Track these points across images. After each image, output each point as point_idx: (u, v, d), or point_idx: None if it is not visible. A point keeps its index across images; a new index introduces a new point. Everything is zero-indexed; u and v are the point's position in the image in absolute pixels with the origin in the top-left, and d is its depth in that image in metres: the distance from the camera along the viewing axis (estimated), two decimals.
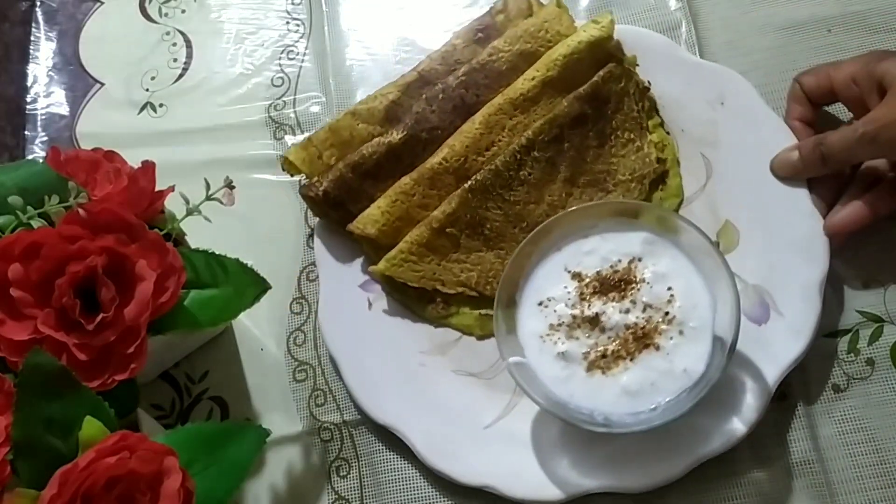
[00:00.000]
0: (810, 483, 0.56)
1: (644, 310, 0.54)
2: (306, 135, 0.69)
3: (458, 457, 0.57)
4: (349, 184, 0.63)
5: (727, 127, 0.63)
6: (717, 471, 0.56)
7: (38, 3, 0.84)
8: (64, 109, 0.79)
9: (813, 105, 0.61)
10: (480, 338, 0.62)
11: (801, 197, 0.59)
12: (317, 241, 0.65)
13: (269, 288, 0.57)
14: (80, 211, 0.50)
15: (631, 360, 0.53)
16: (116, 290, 0.49)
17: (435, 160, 0.63)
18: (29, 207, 0.51)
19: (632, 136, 0.64)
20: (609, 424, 0.52)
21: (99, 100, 0.78)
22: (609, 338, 0.54)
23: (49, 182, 0.53)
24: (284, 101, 0.75)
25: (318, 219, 0.66)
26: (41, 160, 0.56)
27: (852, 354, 0.59)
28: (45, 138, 0.77)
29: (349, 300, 0.63)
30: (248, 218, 0.69)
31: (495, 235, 0.63)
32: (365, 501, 0.60)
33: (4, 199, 0.51)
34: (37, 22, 0.83)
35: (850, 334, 0.59)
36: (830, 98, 0.61)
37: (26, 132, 0.78)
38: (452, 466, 0.57)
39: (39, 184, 0.53)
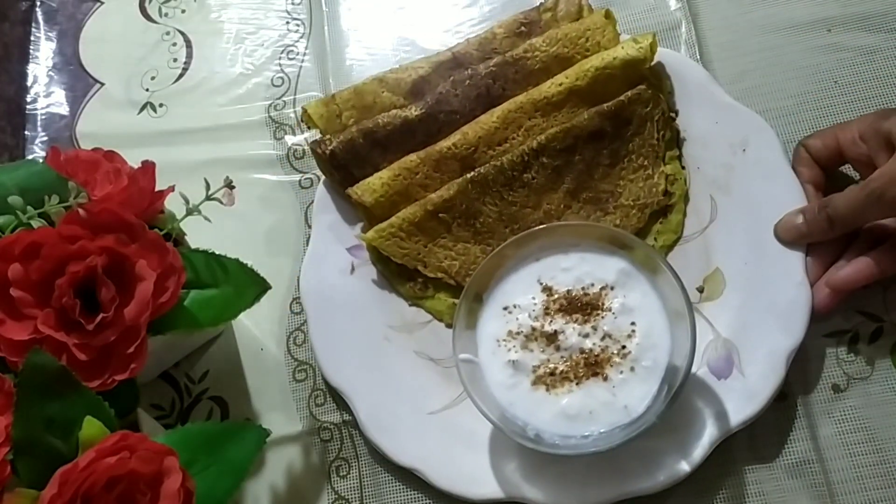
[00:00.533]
0: (810, 483, 0.56)
1: (602, 338, 0.54)
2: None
3: (396, 435, 0.59)
4: (358, 149, 0.64)
5: (744, 174, 0.61)
6: (718, 470, 0.56)
7: (38, 3, 0.84)
8: (64, 109, 0.79)
9: (822, 168, 0.60)
10: (449, 326, 0.63)
11: (795, 262, 0.58)
12: (318, 195, 0.66)
13: (269, 288, 0.57)
14: (80, 211, 0.50)
15: (577, 384, 0.53)
16: (116, 290, 0.49)
17: (445, 144, 0.64)
18: (29, 207, 0.51)
19: (645, 162, 0.64)
20: (538, 441, 0.52)
21: (99, 100, 0.78)
22: (562, 357, 0.54)
23: (49, 182, 0.53)
24: (284, 101, 0.75)
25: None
26: (41, 160, 0.56)
27: (852, 354, 0.59)
28: (45, 138, 0.77)
29: (334, 259, 0.64)
30: (248, 218, 0.69)
31: (486, 231, 0.63)
32: (365, 501, 0.60)
33: (4, 199, 0.51)
34: (37, 22, 0.83)
35: (850, 334, 0.59)
36: (838, 160, 0.59)
37: (26, 132, 0.78)
38: (388, 443, 0.59)
39: (39, 184, 0.53)
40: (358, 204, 0.64)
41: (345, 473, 0.61)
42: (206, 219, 0.56)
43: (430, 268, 0.63)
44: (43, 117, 0.78)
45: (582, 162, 0.63)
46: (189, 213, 0.56)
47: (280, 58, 0.77)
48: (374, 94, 0.66)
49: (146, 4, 0.82)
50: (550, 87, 0.64)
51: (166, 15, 0.81)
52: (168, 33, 0.80)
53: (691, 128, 0.65)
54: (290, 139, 0.73)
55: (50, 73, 0.81)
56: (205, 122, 0.75)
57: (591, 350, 0.54)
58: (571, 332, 0.55)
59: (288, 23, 0.79)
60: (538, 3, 0.70)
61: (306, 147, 0.73)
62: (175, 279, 0.51)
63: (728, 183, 0.62)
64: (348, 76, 0.75)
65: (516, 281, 0.57)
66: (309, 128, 0.67)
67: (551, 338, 0.55)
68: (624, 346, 0.54)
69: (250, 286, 0.56)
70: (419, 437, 0.59)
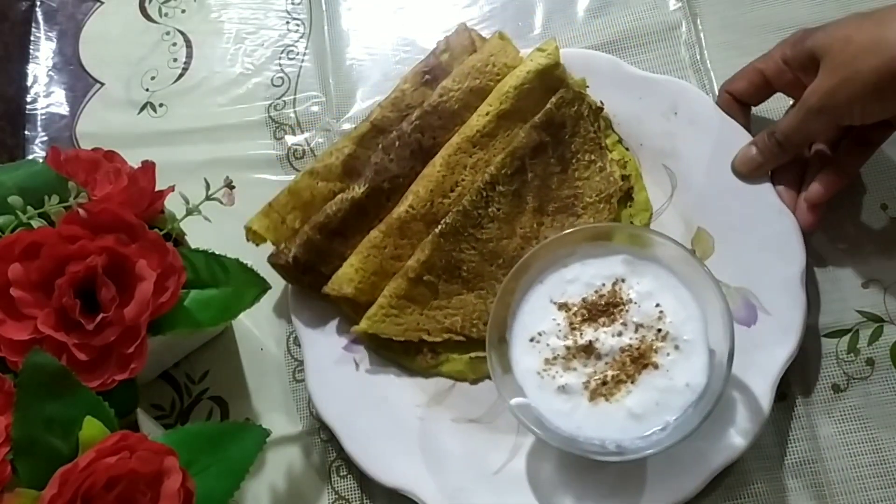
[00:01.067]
0: (810, 483, 0.56)
1: (636, 330, 0.54)
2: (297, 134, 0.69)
3: None
4: (318, 245, 0.62)
5: (684, 136, 0.63)
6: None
7: (38, 3, 0.84)
8: (64, 109, 0.79)
9: (752, 104, 0.63)
10: (474, 382, 0.61)
11: (767, 193, 0.60)
12: (293, 309, 0.63)
13: (269, 288, 0.57)
14: (80, 211, 0.50)
15: (632, 382, 0.53)
16: (116, 290, 0.49)
17: (401, 209, 0.62)
18: (29, 207, 0.51)
19: (592, 157, 0.64)
20: (622, 451, 0.51)
21: (99, 100, 0.78)
22: (606, 363, 0.53)
23: (49, 182, 0.53)
24: (284, 101, 0.75)
25: (290, 286, 0.64)
26: (41, 160, 0.56)
27: (852, 354, 0.59)
28: (45, 138, 0.77)
29: (336, 364, 0.62)
30: (248, 218, 0.69)
31: (473, 276, 0.62)
32: (365, 501, 0.60)
33: (4, 199, 0.51)
34: (37, 22, 0.83)
35: (850, 334, 0.59)
36: (766, 92, 0.61)
37: (26, 132, 0.78)
38: None
39: (39, 184, 0.53)
40: (339, 299, 0.61)
41: (345, 473, 0.61)
42: (206, 219, 0.56)
43: (434, 333, 0.61)
44: (43, 117, 0.78)
45: (536, 178, 0.63)
46: (189, 213, 0.56)
47: (280, 58, 0.77)
48: (309, 189, 0.64)
49: (146, 4, 0.82)
50: (478, 119, 0.64)
51: (166, 15, 0.81)
52: (168, 33, 0.80)
53: (620, 111, 0.66)
54: (290, 139, 0.73)
55: (50, 73, 0.81)
56: (205, 122, 0.75)
57: (630, 345, 0.54)
58: (605, 337, 0.54)
59: (288, 23, 0.79)
60: (433, 49, 0.69)
61: (306, 147, 0.73)
62: (175, 279, 0.51)
63: (674, 148, 0.64)
64: (348, 76, 0.75)
65: (530, 310, 0.56)
66: (257, 244, 0.64)
67: (588, 349, 0.54)
68: (659, 330, 0.54)
69: (250, 286, 0.56)
70: (499, 501, 0.57)
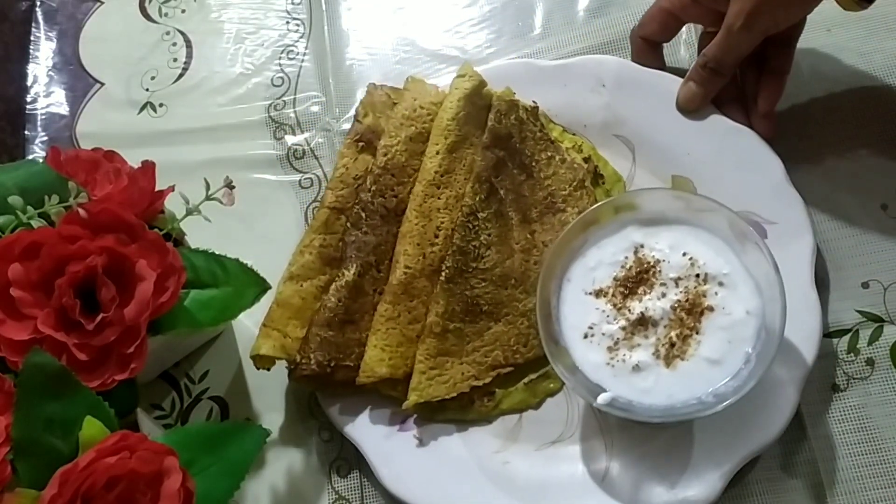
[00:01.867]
0: (810, 483, 0.56)
1: (677, 284, 0.55)
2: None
3: None
4: (333, 341, 0.60)
5: (619, 103, 0.65)
6: None
7: (38, 3, 0.84)
8: (64, 109, 0.79)
9: (659, 47, 0.66)
10: (538, 406, 0.60)
11: (720, 120, 0.62)
12: (333, 417, 0.60)
13: (269, 288, 0.57)
14: (80, 211, 0.50)
15: (697, 333, 0.53)
16: (116, 290, 0.49)
17: (398, 273, 0.61)
18: (29, 207, 0.51)
19: (548, 153, 0.64)
20: (723, 396, 0.51)
21: (99, 100, 0.78)
22: (665, 326, 0.54)
23: (49, 182, 0.53)
24: (284, 101, 0.75)
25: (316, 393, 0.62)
26: (41, 160, 0.56)
27: (852, 354, 0.59)
28: (45, 138, 0.77)
29: (400, 449, 0.59)
30: (248, 218, 0.69)
31: (493, 306, 0.61)
32: (365, 501, 0.60)
33: (4, 199, 0.51)
34: (37, 22, 0.83)
35: (850, 334, 0.59)
36: (676, 27, 0.64)
37: (26, 132, 0.78)
38: None
39: (39, 184, 0.53)
40: (377, 383, 0.59)
41: (345, 473, 0.61)
42: (206, 219, 0.56)
43: (481, 375, 0.60)
44: (43, 117, 0.78)
45: (508, 192, 0.63)
46: (189, 213, 0.56)
47: (280, 58, 0.77)
48: (296, 294, 0.62)
49: (146, 4, 0.82)
50: (431, 161, 0.63)
51: (166, 15, 0.81)
52: (168, 33, 0.80)
53: (553, 104, 0.67)
54: (290, 139, 0.73)
55: (50, 73, 0.81)
56: (205, 122, 0.75)
57: (678, 301, 0.54)
58: (652, 303, 0.54)
59: (288, 23, 0.79)
60: (354, 117, 0.68)
61: (306, 147, 0.73)
62: (175, 279, 0.51)
63: (616, 116, 0.66)
64: (348, 76, 0.75)
65: (571, 310, 0.56)
66: (268, 369, 0.61)
67: (642, 321, 0.54)
68: (698, 275, 0.54)
69: (250, 286, 0.56)
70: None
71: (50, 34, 0.83)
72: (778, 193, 0.59)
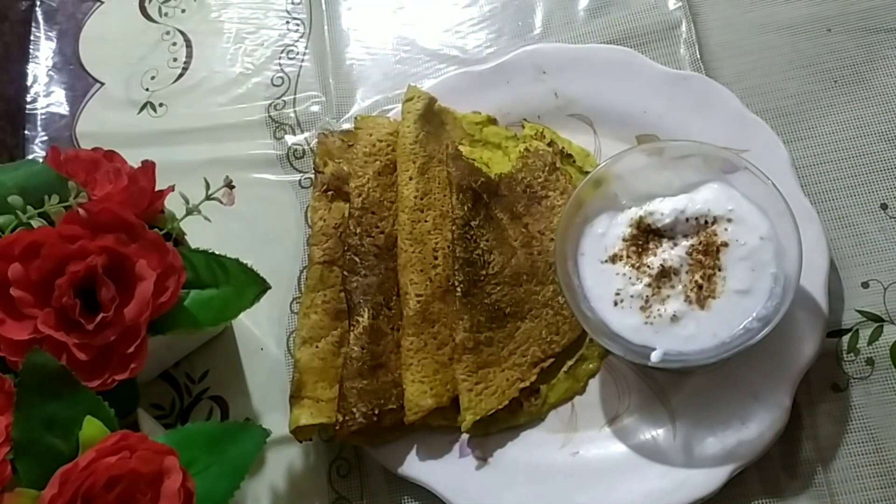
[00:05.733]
0: (810, 483, 0.56)
1: (692, 226, 0.56)
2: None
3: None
4: (370, 389, 0.58)
5: (563, 84, 0.67)
6: None
7: (38, 3, 0.84)
8: (64, 109, 0.79)
9: None
10: (583, 390, 0.60)
11: (663, 72, 0.65)
12: (388, 463, 0.59)
13: (269, 288, 0.57)
14: (80, 211, 0.50)
15: (719, 269, 0.54)
16: (116, 290, 0.49)
17: (411, 304, 0.60)
18: (29, 207, 0.51)
19: (508, 143, 0.66)
20: (766, 319, 0.52)
21: (99, 99, 0.78)
22: (687, 272, 0.55)
23: (49, 182, 0.53)
24: (284, 101, 0.75)
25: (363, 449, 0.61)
26: (41, 160, 0.56)
27: (852, 354, 0.59)
28: (45, 138, 0.77)
29: (468, 477, 0.58)
30: (248, 218, 0.69)
31: (515, 306, 0.60)
32: (365, 501, 0.60)
33: (4, 199, 0.51)
34: (37, 22, 0.83)
35: (850, 334, 0.59)
36: None
37: (26, 132, 0.78)
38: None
39: (39, 183, 0.53)
40: (427, 416, 0.58)
41: (345, 473, 0.61)
42: (206, 219, 0.56)
43: (526, 376, 0.59)
44: (43, 117, 0.78)
45: (490, 195, 0.63)
46: (189, 212, 0.56)
47: (280, 57, 0.77)
48: (314, 357, 0.60)
49: (146, 4, 0.82)
50: (406, 188, 0.63)
51: (166, 15, 0.81)
52: (168, 33, 0.80)
53: (500, 104, 0.68)
54: (290, 139, 0.73)
55: (50, 72, 0.81)
56: (205, 122, 0.75)
57: (692, 245, 0.55)
58: (668, 254, 0.55)
59: (288, 22, 0.79)
60: (313, 169, 0.67)
61: (306, 147, 0.73)
62: (175, 279, 0.51)
63: (565, 98, 0.67)
64: (348, 76, 0.75)
65: (594, 284, 0.56)
66: (310, 440, 0.61)
67: (664, 273, 0.55)
68: (705, 217, 0.55)
69: (250, 286, 0.56)
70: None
71: (50, 34, 0.83)
72: (740, 122, 0.61)
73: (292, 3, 0.79)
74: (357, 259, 0.61)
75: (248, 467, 0.50)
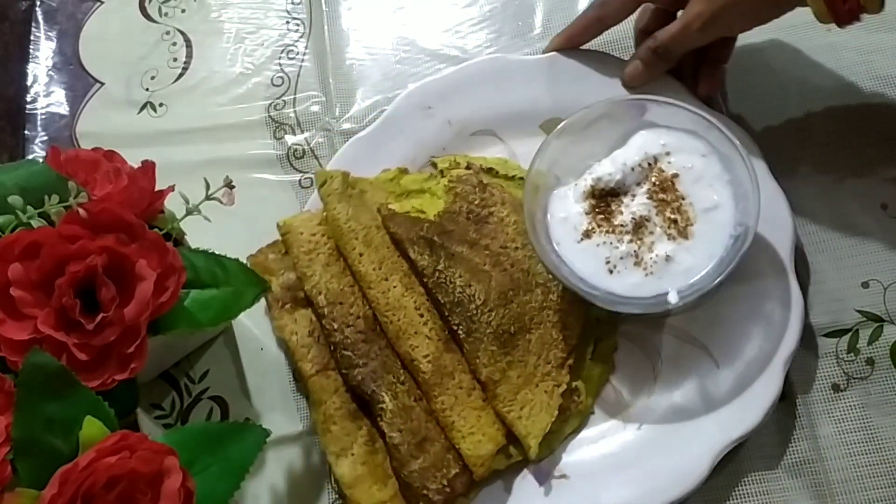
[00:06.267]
0: (810, 483, 0.56)
1: (639, 183, 0.58)
2: (304, 133, 0.68)
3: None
4: (428, 466, 0.56)
5: (452, 110, 0.68)
6: (717, 470, 0.56)
7: (38, 3, 0.84)
8: (64, 109, 0.79)
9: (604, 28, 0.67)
10: (613, 367, 0.60)
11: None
12: None
13: (269, 288, 0.57)
14: (80, 211, 0.50)
15: (683, 198, 0.57)
16: (116, 290, 0.49)
17: (423, 367, 0.58)
18: (29, 207, 0.51)
19: (434, 188, 0.66)
20: (746, 223, 0.54)
21: (99, 99, 0.78)
22: (657, 214, 0.57)
23: (49, 182, 0.53)
24: (284, 101, 0.75)
25: None
26: (41, 160, 0.56)
27: (852, 354, 0.59)
28: (45, 138, 0.77)
29: (559, 499, 0.57)
30: (248, 218, 0.69)
31: (515, 322, 0.59)
32: None
33: (4, 199, 0.51)
34: (37, 21, 0.83)
35: (850, 334, 0.59)
36: (634, 6, 0.64)
37: (26, 132, 0.78)
38: None
39: (39, 183, 0.53)
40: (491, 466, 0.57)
41: None
42: (206, 219, 0.56)
43: (561, 380, 0.58)
44: (43, 117, 0.78)
45: (436, 236, 0.62)
46: (189, 212, 0.56)
47: (280, 57, 0.77)
48: (354, 464, 0.58)
49: (146, 4, 0.82)
50: (362, 265, 0.61)
51: (166, 14, 0.81)
52: (168, 33, 0.80)
53: (401, 159, 0.67)
54: (290, 139, 0.73)
55: (50, 72, 0.81)
56: (205, 122, 0.75)
57: (649, 189, 0.57)
58: (633, 205, 0.57)
59: (288, 22, 0.79)
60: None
61: (306, 147, 0.73)
62: (175, 279, 0.51)
63: (461, 122, 0.68)
64: (348, 76, 0.75)
65: (583, 265, 0.57)
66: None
67: (639, 224, 0.57)
68: (645, 154, 0.58)
69: (250, 286, 0.56)
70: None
71: (50, 34, 0.83)
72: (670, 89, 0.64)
73: (292, 3, 0.79)
74: (349, 353, 0.60)
75: (248, 467, 0.50)
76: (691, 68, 0.65)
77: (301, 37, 0.78)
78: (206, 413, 0.64)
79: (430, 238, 0.61)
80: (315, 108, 0.74)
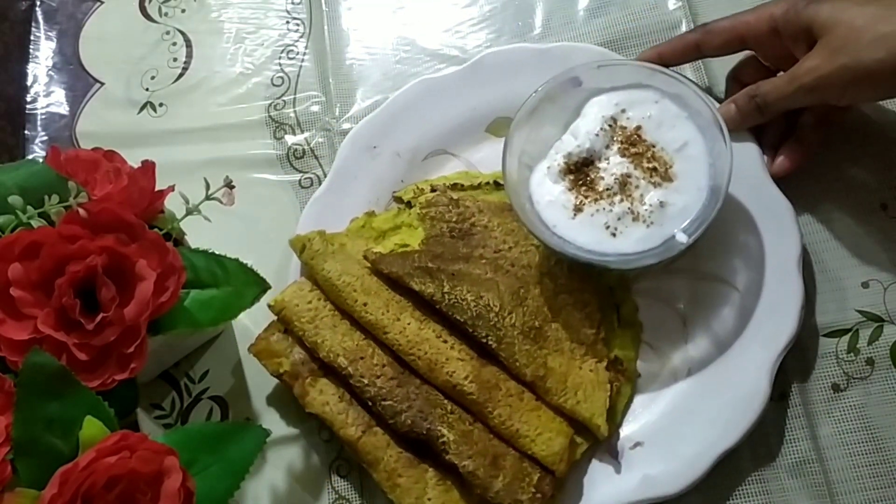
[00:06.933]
0: (810, 483, 0.56)
1: (608, 145, 0.59)
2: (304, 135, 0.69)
3: None
4: (509, 480, 0.55)
5: (397, 144, 0.68)
6: (717, 469, 0.56)
7: (38, 3, 0.84)
8: (64, 109, 0.79)
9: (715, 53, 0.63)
10: (641, 326, 0.61)
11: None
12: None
13: (269, 288, 0.57)
14: (80, 211, 0.50)
15: (653, 146, 0.58)
16: (116, 290, 0.49)
17: (467, 389, 0.57)
18: (29, 207, 0.51)
19: (408, 220, 0.66)
20: (717, 149, 0.56)
21: (99, 99, 0.78)
22: (636, 167, 0.57)
23: (49, 182, 0.53)
24: (284, 101, 0.75)
25: None
26: (41, 160, 0.56)
27: (852, 354, 0.59)
28: (45, 138, 0.77)
29: (642, 467, 0.57)
30: (248, 218, 0.69)
31: (537, 316, 0.60)
32: (365, 501, 0.60)
33: (4, 198, 0.51)
34: (37, 21, 0.83)
35: (850, 334, 0.59)
36: (736, 49, 0.62)
37: (26, 132, 0.78)
38: None
39: (39, 183, 0.53)
40: (568, 459, 0.57)
41: (345, 473, 0.61)
42: (206, 219, 0.56)
43: (600, 354, 0.59)
44: (43, 117, 0.78)
45: (429, 261, 0.61)
46: (189, 212, 0.56)
47: (280, 57, 0.77)
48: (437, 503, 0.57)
49: (146, 4, 0.82)
50: (369, 314, 0.60)
51: (166, 14, 0.81)
52: (168, 33, 0.80)
53: (364, 204, 0.67)
54: (290, 139, 0.73)
55: (50, 72, 0.81)
56: (205, 122, 0.75)
57: (620, 145, 0.58)
58: (608, 169, 0.58)
59: (288, 22, 0.79)
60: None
61: (306, 147, 0.73)
62: (175, 279, 0.51)
63: (409, 151, 0.68)
64: (348, 76, 0.75)
65: (586, 238, 0.57)
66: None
67: (623, 181, 0.57)
68: (602, 117, 0.59)
69: (250, 286, 0.56)
70: None
71: (50, 34, 0.83)
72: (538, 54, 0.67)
73: (292, 3, 0.79)
74: (389, 402, 0.58)
75: (248, 467, 0.50)
76: (777, 137, 0.62)
77: (301, 37, 0.78)
78: (206, 413, 0.64)
79: (425, 266, 0.61)
80: (315, 108, 0.74)
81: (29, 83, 0.80)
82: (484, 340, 0.58)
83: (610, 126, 0.59)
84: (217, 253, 0.56)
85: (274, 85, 0.76)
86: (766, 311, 0.58)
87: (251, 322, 0.66)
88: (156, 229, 0.53)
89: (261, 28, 0.79)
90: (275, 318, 0.62)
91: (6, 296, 0.49)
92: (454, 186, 0.66)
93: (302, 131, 0.74)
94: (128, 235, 0.51)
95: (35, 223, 0.51)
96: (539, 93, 0.60)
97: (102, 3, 0.83)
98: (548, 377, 0.58)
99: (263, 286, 0.56)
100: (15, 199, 0.51)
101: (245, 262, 0.57)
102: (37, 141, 0.77)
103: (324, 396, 0.60)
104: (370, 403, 0.58)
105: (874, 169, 0.63)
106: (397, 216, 0.66)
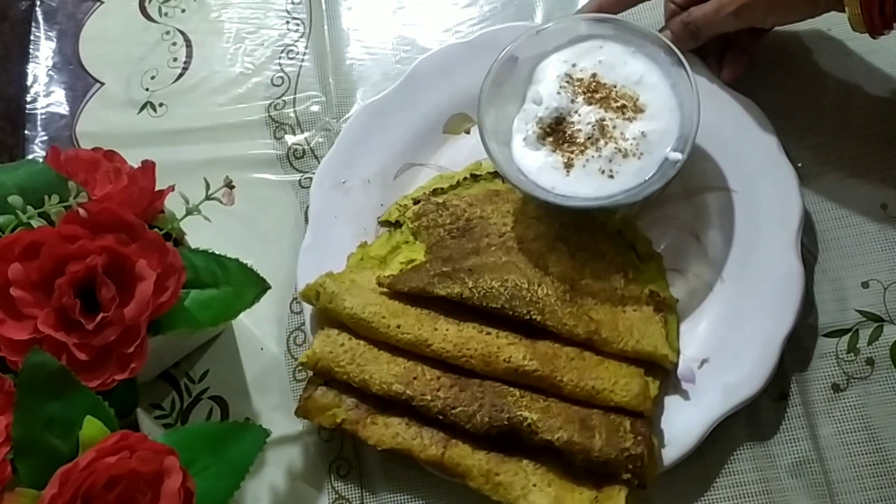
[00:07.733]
0: (810, 483, 0.56)
1: (573, 100, 0.60)
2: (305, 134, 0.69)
3: None
4: (607, 437, 0.55)
5: (364, 171, 0.67)
6: (717, 469, 0.56)
7: (38, 3, 0.84)
8: (64, 109, 0.79)
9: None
10: (668, 286, 0.62)
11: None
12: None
13: (269, 288, 0.57)
14: (80, 210, 0.50)
15: (615, 86, 0.60)
16: (116, 290, 0.49)
17: (529, 367, 0.57)
18: (29, 207, 0.51)
19: (403, 238, 0.66)
20: (680, 67, 0.59)
21: (99, 99, 0.78)
22: (607, 110, 0.59)
23: (49, 182, 0.53)
24: (284, 101, 0.75)
25: None
26: (41, 160, 0.56)
27: (852, 354, 0.59)
28: (45, 138, 0.77)
29: (715, 379, 0.57)
30: (248, 218, 0.69)
31: (563, 280, 0.60)
32: (365, 501, 0.60)
33: (4, 198, 0.51)
34: (37, 21, 0.83)
35: (850, 334, 0.59)
36: None
37: (26, 132, 0.78)
38: None
39: (39, 183, 0.53)
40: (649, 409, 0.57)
41: (345, 473, 0.61)
42: (206, 219, 0.56)
43: (638, 294, 0.61)
44: (43, 117, 0.78)
45: (449, 263, 0.61)
46: (189, 212, 0.56)
47: (280, 57, 0.77)
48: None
49: (146, 4, 0.82)
50: (407, 335, 0.59)
51: (166, 14, 0.81)
52: (168, 33, 0.80)
53: (352, 239, 0.66)
54: (290, 139, 0.73)
55: (50, 72, 0.81)
56: (205, 122, 0.75)
57: (584, 95, 0.60)
58: (584, 118, 0.59)
59: (288, 22, 0.79)
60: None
61: (306, 147, 0.73)
62: (175, 279, 0.51)
63: (379, 175, 0.68)
64: (348, 76, 0.75)
65: (588, 189, 0.58)
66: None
67: (601, 126, 0.59)
68: (557, 76, 0.61)
69: (250, 286, 0.56)
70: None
71: (50, 34, 0.83)
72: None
73: (292, 3, 0.79)
74: (460, 408, 0.57)
75: (248, 467, 0.50)
76: (717, 53, 0.65)
77: (301, 37, 0.78)
78: (206, 413, 0.64)
79: (440, 272, 0.61)
80: (315, 108, 0.74)
81: (29, 83, 0.80)
82: (527, 318, 0.58)
83: (567, 82, 0.61)
84: (217, 253, 0.56)
85: (274, 85, 0.76)
86: (769, 195, 0.60)
87: (251, 322, 0.66)
88: (156, 229, 0.53)
89: (261, 28, 0.79)
90: (311, 373, 0.61)
91: (6, 296, 0.49)
92: (435, 192, 0.66)
93: (302, 131, 0.74)
94: (128, 235, 0.51)
95: (35, 223, 0.51)
96: (488, 80, 0.61)
97: (102, 3, 0.83)
98: (600, 329, 0.58)
99: (263, 286, 0.56)
100: (15, 199, 0.51)
101: (245, 262, 0.57)
102: (37, 141, 0.77)
103: (391, 429, 0.58)
104: (441, 417, 0.57)
105: (874, 169, 0.63)
106: (390, 239, 0.66)
